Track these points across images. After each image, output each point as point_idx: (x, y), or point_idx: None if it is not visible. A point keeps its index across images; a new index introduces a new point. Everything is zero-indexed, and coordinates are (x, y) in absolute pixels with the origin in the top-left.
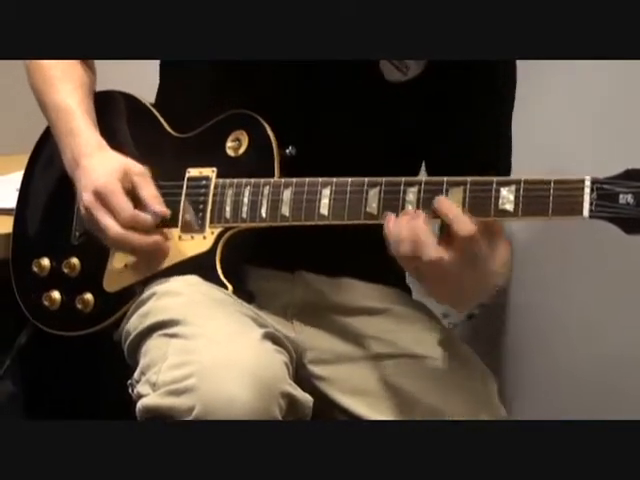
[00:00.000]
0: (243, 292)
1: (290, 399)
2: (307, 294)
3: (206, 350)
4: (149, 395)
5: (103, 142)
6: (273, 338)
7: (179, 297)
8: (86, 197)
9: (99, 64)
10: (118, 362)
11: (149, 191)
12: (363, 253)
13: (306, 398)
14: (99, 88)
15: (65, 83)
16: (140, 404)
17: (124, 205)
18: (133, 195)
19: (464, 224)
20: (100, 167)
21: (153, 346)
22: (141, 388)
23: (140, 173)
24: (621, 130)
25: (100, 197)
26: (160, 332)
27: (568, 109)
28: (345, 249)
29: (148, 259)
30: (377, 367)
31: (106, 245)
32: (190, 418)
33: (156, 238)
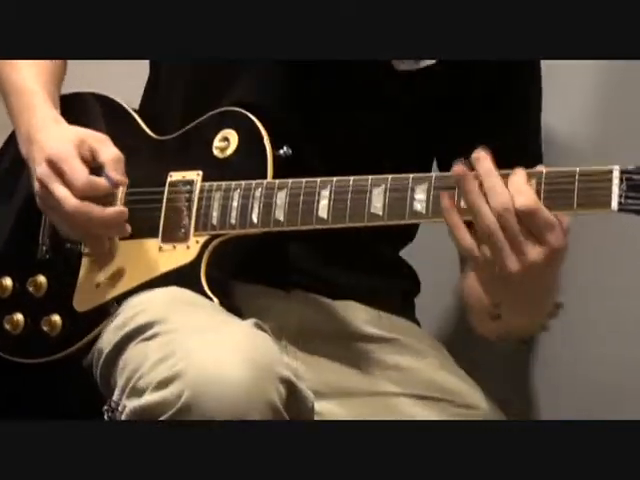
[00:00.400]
0: (231, 308)
1: (290, 386)
2: (305, 317)
3: (191, 337)
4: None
5: (61, 118)
6: (266, 331)
7: (156, 300)
8: (39, 169)
9: (88, 64)
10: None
11: (108, 154)
12: (372, 276)
13: (307, 391)
14: (88, 89)
15: (30, 67)
16: (126, 411)
17: (79, 171)
18: (94, 164)
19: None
20: (55, 138)
21: (132, 356)
22: (128, 402)
23: (98, 138)
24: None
25: (53, 166)
26: (137, 340)
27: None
28: (351, 269)
29: (105, 238)
30: (378, 405)
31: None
32: (179, 406)
33: (118, 209)
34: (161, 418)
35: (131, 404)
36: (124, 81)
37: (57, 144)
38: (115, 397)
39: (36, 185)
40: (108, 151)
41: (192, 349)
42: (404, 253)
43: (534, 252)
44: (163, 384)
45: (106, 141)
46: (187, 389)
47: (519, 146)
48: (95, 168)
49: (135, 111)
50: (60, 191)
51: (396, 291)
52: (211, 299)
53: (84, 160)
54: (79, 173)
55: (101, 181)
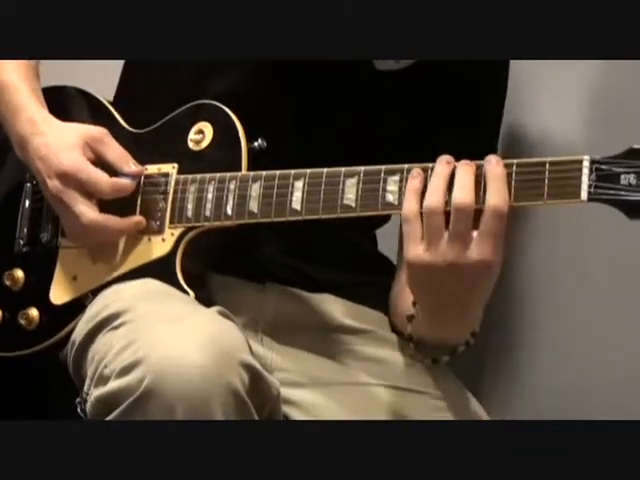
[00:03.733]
0: (206, 301)
1: (253, 373)
2: (280, 308)
3: (154, 324)
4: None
5: (50, 116)
6: (231, 318)
7: (127, 292)
8: (52, 184)
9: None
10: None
11: (114, 153)
12: (348, 269)
13: (272, 379)
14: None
15: (8, 63)
16: (91, 399)
17: (100, 177)
18: (101, 164)
19: (499, 196)
20: (55, 145)
21: (99, 346)
22: (94, 390)
23: (98, 138)
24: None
25: (68, 179)
26: (105, 330)
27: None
28: (327, 261)
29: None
30: (356, 395)
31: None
32: (141, 391)
33: (136, 219)
34: (124, 403)
35: (96, 392)
36: (98, 73)
37: (63, 156)
38: (85, 388)
39: (50, 198)
40: (112, 150)
41: (154, 335)
42: (385, 249)
43: (459, 251)
44: (126, 370)
45: (106, 138)
46: (149, 374)
47: (482, 145)
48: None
49: (110, 103)
50: (79, 207)
51: (374, 285)
52: (187, 292)
53: (93, 163)
54: (101, 180)
55: (124, 181)
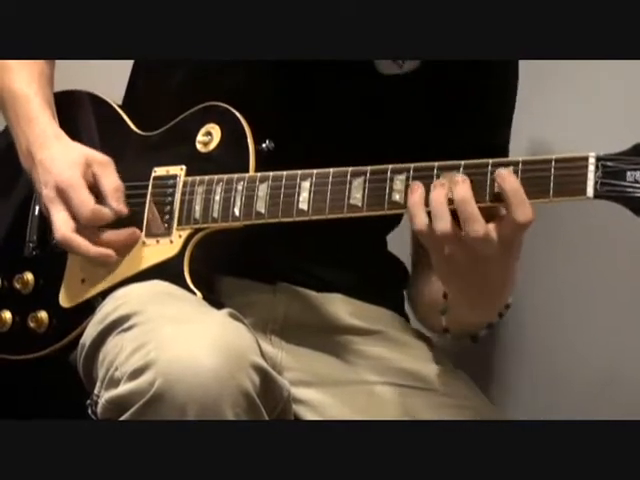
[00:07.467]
0: (214, 302)
1: (263, 374)
2: (290, 309)
3: (165, 327)
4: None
5: (61, 132)
6: (241, 320)
7: (136, 293)
8: (46, 192)
9: (72, 64)
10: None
11: (109, 183)
12: (357, 269)
13: (283, 381)
14: (73, 87)
15: (22, 71)
16: (102, 402)
17: (85, 201)
18: (96, 188)
19: (525, 209)
20: (60, 159)
21: (110, 348)
22: (105, 393)
23: (102, 163)
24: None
25: (61, 192)
26: (115, 332)
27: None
28: (336, 262)
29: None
30: (364, 393)
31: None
32: (152, 393)
33: (103, 252)
34: (135, 406)
35: (107, 394)
36: (108, 76)
37: (64, 169)
38: (96, 390)
39: (43, 206)
40: (110, 180)
41: (165, 338)
42: (395, 246)
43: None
44: (137, 373)
45: (109, 167)
46: (159, 377)
47: (490, 141)
48: (96, 192)
49: (120, 107)
50: (56, 217)
51: (383, 284)
52: (194, 293)
53: (88, 185)
54: (85, 203)
55: (105, 211)
